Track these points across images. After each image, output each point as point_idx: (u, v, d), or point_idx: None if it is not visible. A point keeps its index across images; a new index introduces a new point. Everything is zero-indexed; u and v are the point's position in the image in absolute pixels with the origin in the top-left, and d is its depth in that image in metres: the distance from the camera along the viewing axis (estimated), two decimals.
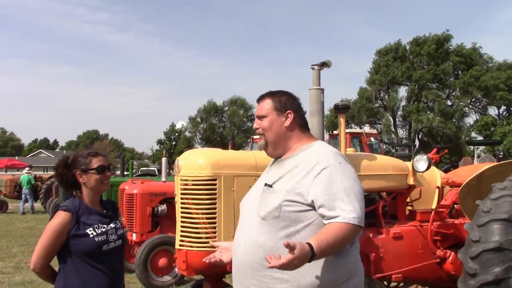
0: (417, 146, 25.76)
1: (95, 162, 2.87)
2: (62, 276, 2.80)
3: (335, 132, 18.81)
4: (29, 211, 18.94)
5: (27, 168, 21.04)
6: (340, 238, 2.12)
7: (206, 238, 3.47)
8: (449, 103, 46.30)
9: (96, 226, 2.82)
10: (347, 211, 2.15)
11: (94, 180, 2.86)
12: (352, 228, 2.15)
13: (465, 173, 4.80)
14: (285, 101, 2.45)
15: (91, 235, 2.78)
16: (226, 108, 56.35)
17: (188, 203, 3.54)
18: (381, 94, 47.77)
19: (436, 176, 4.79)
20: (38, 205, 20.91)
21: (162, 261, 6.73)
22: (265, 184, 2.38)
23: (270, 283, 2.22)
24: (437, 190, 4.65)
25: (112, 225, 2.92)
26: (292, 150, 2.42)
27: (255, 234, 2.29)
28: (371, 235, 4.02)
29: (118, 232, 2.94)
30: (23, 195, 19.28)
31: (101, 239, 2.80)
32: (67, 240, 2.75)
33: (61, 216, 2.77)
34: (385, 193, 4.46)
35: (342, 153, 2.53)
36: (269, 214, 2.26)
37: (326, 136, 18.49)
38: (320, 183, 2.21)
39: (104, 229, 2.84)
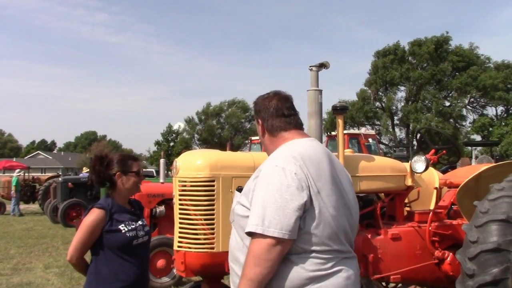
0: (415, 147, 25.79)
1: (135, 166, 3.18)
2: (94, 267, 3.05)
3: (333, 133, 18.86)
4: (15, 212, 18.69)
5: (17, 170, 20.97)
6: (257, 259, 1.99)
7: (205, 239, 3.47)
8: (447, 103, 46.38)
9: (127, 223, 3.08)
10: (255, 219, 2.01)
11: (132, 182, 3.16)
12: (260, 239, 1.98)
13: (463, 174, 4.81)
14: (257, 108, 2.44)
15: (123, 231, 3.03)
16: (225, 108, 56.36)
17: (187, 204, 3.54)
18: (379, 95, 47.82)
19: (434, 177, 4.79)
20: (36, 206, 20.90)
21: (161, 263, 6.73)
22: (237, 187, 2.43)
23: (235, 278, 2.23)
24: (435, 191, 4.65)
25: (140, 222, 3.21)
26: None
27: (231, 234, 2.35)
28: (369, 236, 4.02)
29: (145, 229, 3.24)
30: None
31: (132, 234, 3.08)
32: (101, 235, 3.00)
33: (96, 213, 3.01)
34: (383, 194, 4.47)
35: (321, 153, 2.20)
36: (231, 216, 2.31)
37: (324, 137, 18.53)
38: (255, 188, 2.12)
39: (133, 226, 3.12)
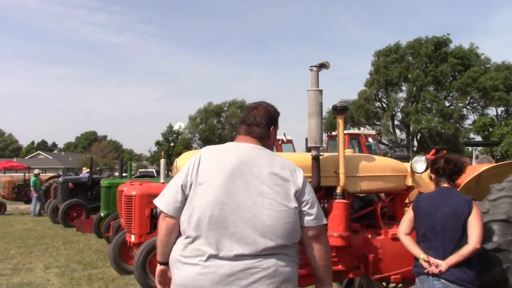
0: (415, 147, 25.78)
1: None
2: None
3: (333, 133, 18.85)
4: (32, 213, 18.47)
5: (36, 170, 20.78)
6: None
7: None
8: (447, 104, 46.36)
9: None
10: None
11: None
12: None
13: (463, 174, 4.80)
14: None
15: None
16: (225, 108, 56.42)
17: None
18: (380, 95, 47.82)
19: None
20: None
21: None
22: None
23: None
24: None
25: None
26: None
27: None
28: (369, 236, 4.02)
29: None
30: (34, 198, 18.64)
31: None
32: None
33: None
34: (383, 194, 4.47)
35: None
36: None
37: (325, 137, 18.52)
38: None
39: None
